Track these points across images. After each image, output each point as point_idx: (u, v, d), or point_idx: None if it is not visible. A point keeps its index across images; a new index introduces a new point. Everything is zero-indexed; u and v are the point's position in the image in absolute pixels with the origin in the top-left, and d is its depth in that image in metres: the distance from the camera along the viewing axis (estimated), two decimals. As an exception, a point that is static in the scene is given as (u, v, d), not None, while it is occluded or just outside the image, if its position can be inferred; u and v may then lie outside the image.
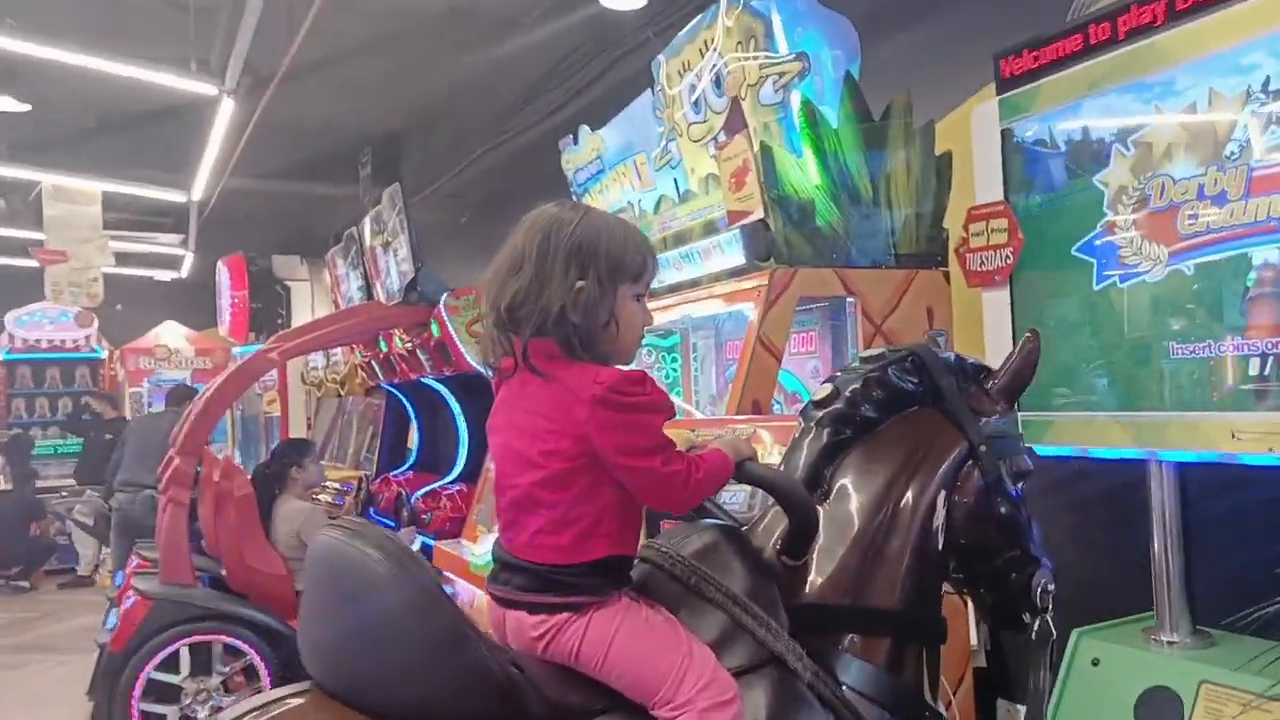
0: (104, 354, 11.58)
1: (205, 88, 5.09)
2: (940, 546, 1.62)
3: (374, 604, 1.26)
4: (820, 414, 1.65)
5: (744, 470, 1.50)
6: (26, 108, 5.82)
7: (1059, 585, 3.38)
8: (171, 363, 11.89)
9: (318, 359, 8.66)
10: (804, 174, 2.83)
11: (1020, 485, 1.74)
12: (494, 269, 1.45)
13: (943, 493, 1.63)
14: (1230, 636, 2.48)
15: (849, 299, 2.90)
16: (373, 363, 6.27)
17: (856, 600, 1.53)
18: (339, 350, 7.75)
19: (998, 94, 2.85)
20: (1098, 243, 2.62)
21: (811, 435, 1.65)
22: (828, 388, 1.68)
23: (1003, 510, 1.67)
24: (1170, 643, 2.50)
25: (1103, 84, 2.60)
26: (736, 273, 2.98)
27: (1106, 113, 2.62)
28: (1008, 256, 2.86)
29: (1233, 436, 2.26)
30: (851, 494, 1.60)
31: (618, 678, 1.35)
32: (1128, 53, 2.53)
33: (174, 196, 7.38)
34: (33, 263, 7.91)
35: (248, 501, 4.78)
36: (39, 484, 9.71)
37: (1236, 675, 2.19)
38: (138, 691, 4.27)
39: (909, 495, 1.61)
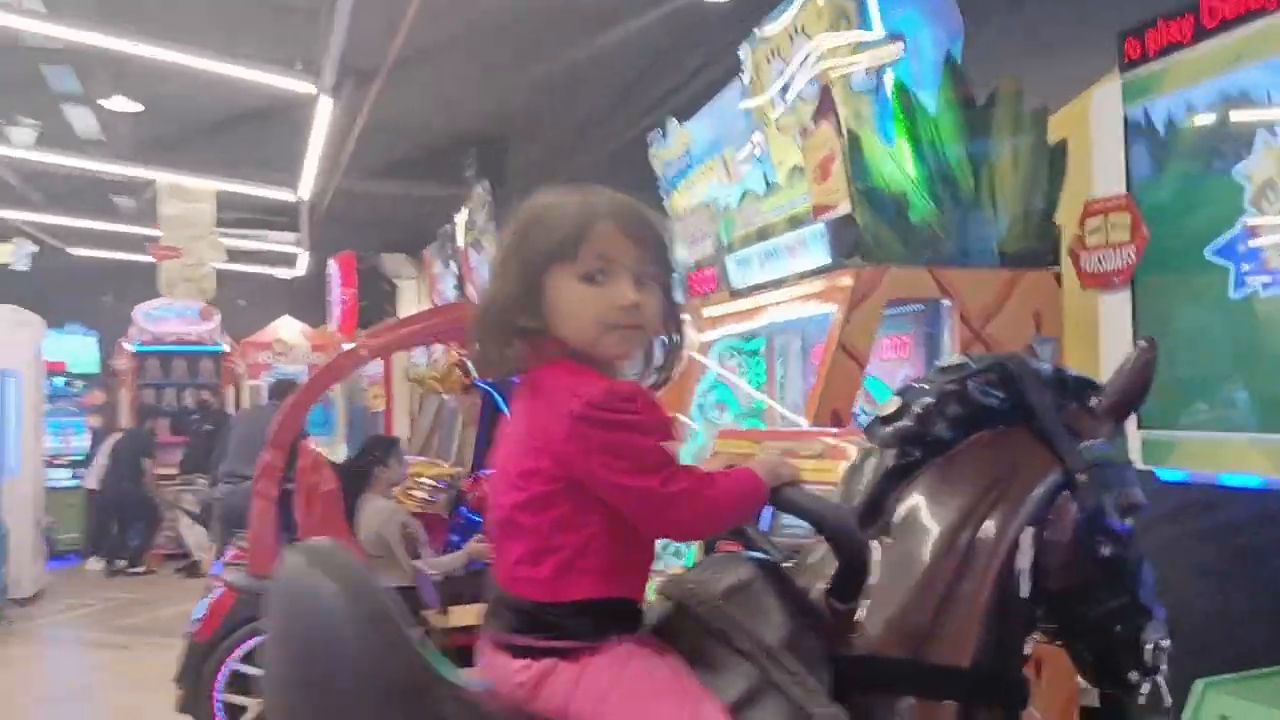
0: (225, 348, 12.04)
1: (304, 86, 5.15)
2: (1026, 593, 1.37)
3: (325, 640, 1.11)
4: (885, 432, 1.42)
5: (780, 496, 1.28)
6: (139, 108, 6.04)
7: (1181, 629, 3.01)
8: (288, 357, 12.27)
9: (420, 355, 8.74)
10: (897, 165, 2.59)
11: (1129, 521, 1.47)
12: None
13: (1030, 528, 1.37)
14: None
15: (944, 301, 2.64)
16: (467, 361, 6.25)
17: (918, 654, 1.30)
18: (439, 347, 7.79)
19: (1121, 74, 2.55)
20: (1238, 246, 2.30)
21: (875, 456, 1.42)
22: (895, 402, 1.44)
23: (1105, 551, 1.40)
24: (1315, 704, 2.15)
25: (1246, 60, 2.28)
26: (821, 271, 2.76)
27: (1250, 95, 2.30)
28: (1129, 256, 2.55)
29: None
30: (918, 526, 1.36)
31: None
32: (1276, 24, 2.20)
33: (284, 195, 7.55)
34: (149, 258, 8.24)
35: (332, 496, 4.78)
36: (158, 472, 10.13)
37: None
38: (220, 682, 4.30)
39: (988, 530, 1.36)
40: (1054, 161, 2.71)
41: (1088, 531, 1.40)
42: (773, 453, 1.61)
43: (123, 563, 9.79)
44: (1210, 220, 2.37)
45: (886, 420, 1.43)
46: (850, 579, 1.29)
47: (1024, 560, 1.37)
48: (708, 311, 3.46)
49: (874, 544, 1.36)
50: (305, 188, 7.39)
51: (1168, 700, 1.46)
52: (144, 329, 11.55)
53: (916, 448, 1.40)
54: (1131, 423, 2.54)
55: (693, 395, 3.42)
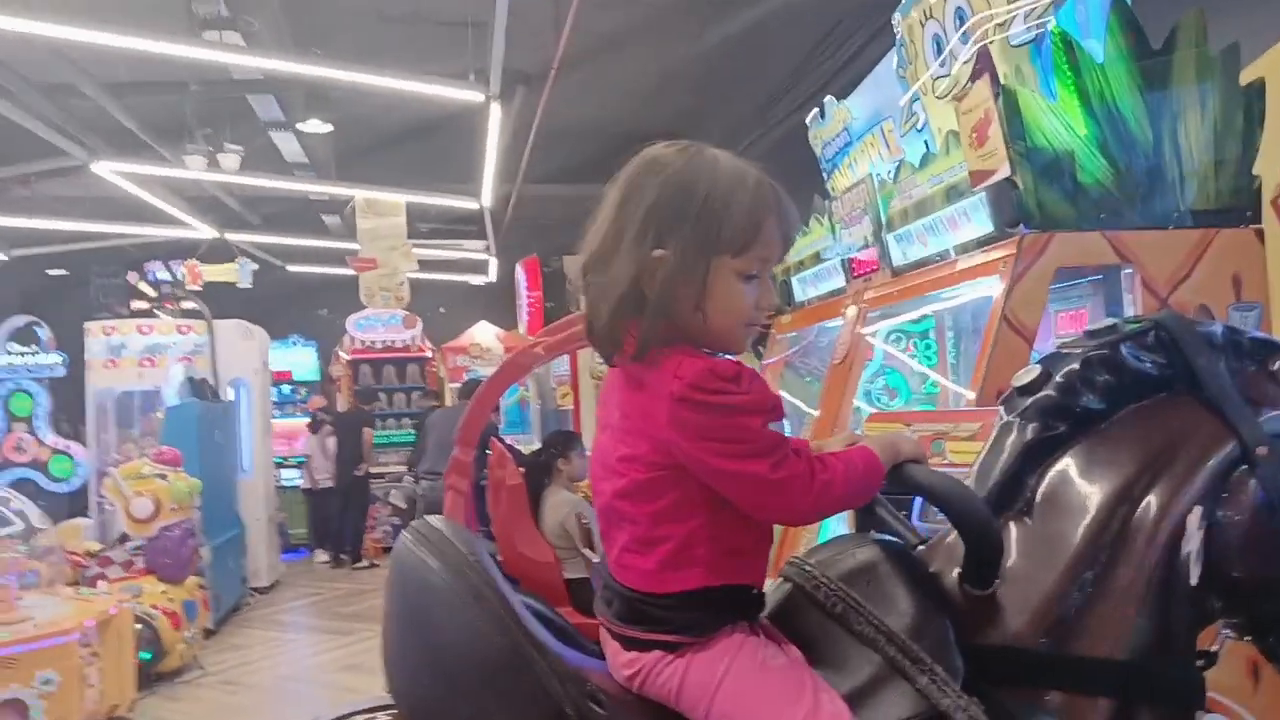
0: (430, 354, 12.80)
1: (474, 95, 5.38)
2: (1195, 580, 1.23)
3: (430, 616, 1.14)
4: (1025, 404, 1.31)
5: (900, 472, 1.20)
6: (330, 128, 6.51)
7: None
8: (484, 360, 12.84)
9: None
10: (1062, 122, 2.39)
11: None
12: (589, 233, 1.25)
13: (1199, 508, 1.23)
14: None
15: (1125, 269, 2.42)
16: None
17: (1063, 645, 1.19)
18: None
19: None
20: None
21: (1014, 431, 1.31)
22: (1035, 370, 1.33)
23: (1293, 535, 1.24)
24: None
25: None
26: (984, 243, 2.60)
27: None
28: (1345, 205, 2.25)
29: None
30: (1065, 506, 1.25)
31: None
32: None
33: (468, 204, 7.93)
34: (351, 271, 8.86)
35: (518, 490, 4.98)
36: (373, 470, 10.90)
37: None
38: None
39: (1148, 509, 1.23)
40: (1249, 106, 2.43)
41: (1272, 513, 1.24)
42: (905, 432, 1.52)
43: (346, 556, 10.62)
44: None
45: (1025, 391, 1.32)
46: (979, 561, 1.20)
47: (1191, 543, 1.22)
48: (870, 294, 3.34)
49: (1011, 525, 1.26)
50: (487, 195, 7.73)
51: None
52: (355, 337, 12.49)
53: (1061, 421, 1.28)
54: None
55: (858, 381, 3.31)
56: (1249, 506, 1.24)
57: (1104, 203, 2.41)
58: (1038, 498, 1.27)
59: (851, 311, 3.37)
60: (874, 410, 3.26)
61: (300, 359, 12.94)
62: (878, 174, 3.26)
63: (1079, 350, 1.32)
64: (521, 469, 5.13)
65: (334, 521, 10.83)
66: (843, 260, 3.59)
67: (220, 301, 9.80)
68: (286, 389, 12.54)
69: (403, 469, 10.56)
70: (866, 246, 3.33)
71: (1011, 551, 1.24)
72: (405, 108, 5.89)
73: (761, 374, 4.40)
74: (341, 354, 12.60)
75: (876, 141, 3.56)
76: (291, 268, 11.42)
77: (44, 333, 9.90)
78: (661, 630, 1.16)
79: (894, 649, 1.14)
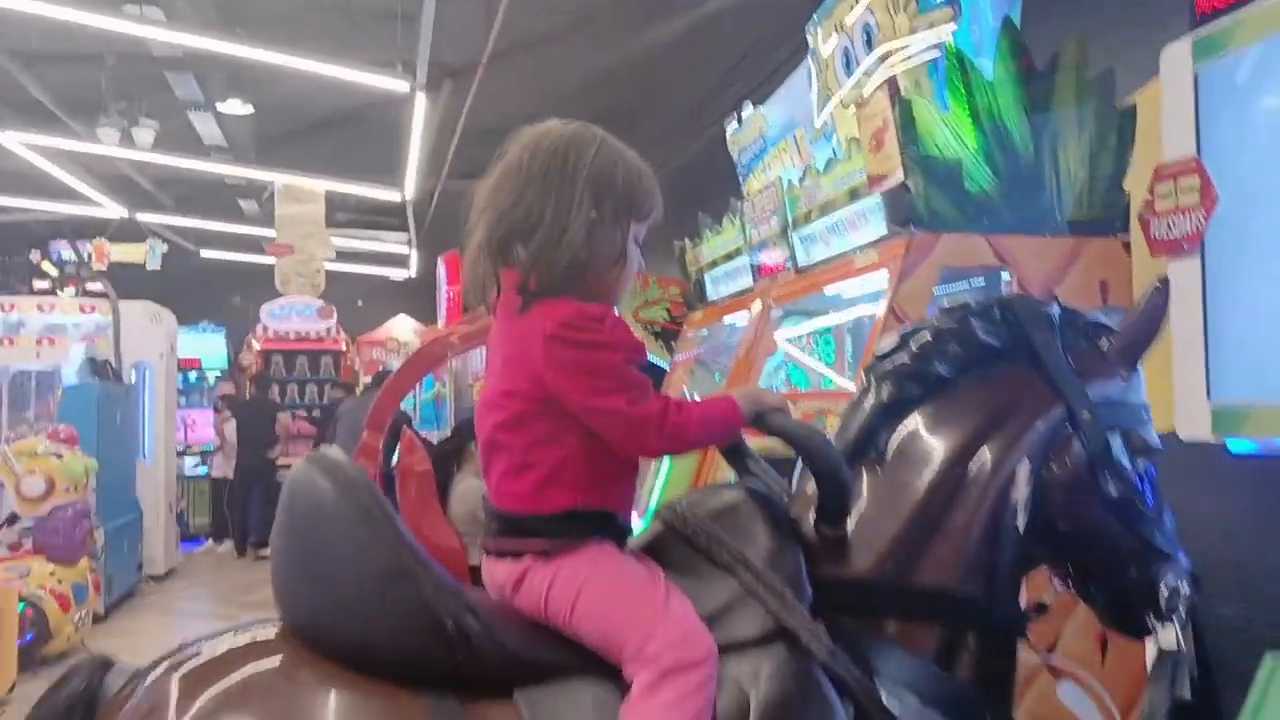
0: (344, 346, 12.64)
1: (398, 84, 5.39)
2: (1021, 526, 1.37)
3: (319, 532, 1.21)
4: (882, 368, 1.44)
5: (763, 420, 1.32)
6: (251, 110, 6.43)
7: (1253, 602, 2.88)
8: (401, 354, 12.75)
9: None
10: (952, 133, 2.56)
11: (1144, 464, 1.45)
12: (491, 189, 1.35)
13: (1027, 462, 1.38)
14: None
15: (1004, 272, 2.59)
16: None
17: (902, 578, 1.32)
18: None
19: (1190, 29, 2.46)
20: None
21: (872, 392, 1.44)
22: (894, 339, 1.46)
23: (1114, 491, 1.39)
24: (1392, 684, 2.04)
25: (1319, 8, 2.18)
26: (878, 242, 2.75)
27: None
28: (1199, 221, 2.45)
29: None
30: (911, 458, 1.38)
31: (586, 631, 1.23)
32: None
33: (390, 195, 7.90)
34: (266, 259, 8.74)
35: (425, 477, 4.99)
36: (280, 461, 10.71)
37: None
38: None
39: (982, 462, 1.37)
40: (1122, 127, 2.63)
41: (1093, 470, 1.39)
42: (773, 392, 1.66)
43: (251, 545, 10.39)
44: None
45: (884, 358, 1.45)
46: (831, 502, 1.32)
47: (1020, 493, 1.37)
48: (775, 291, 3.48)
49: (864, 474, 1.39)
50: (409, 188, 7.72)
51: (1183, 647, 1.43)
52: (268, 327, 12.25)
53: (913, 384, 1.42)
54: (1200, 392, 2.47)
55: (760, 376, 3.44)
56: (1072, 464, 1.39)
57: (987, 209, 2.58)
58: (889, 451, 1.40)
59: (757, 307, 3.50)
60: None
61: (210, 346, 12.64)
62: (787, 178, 3.40)
63: (933, 323, 1.45)
64: (432, 457, 5.15)
65: (237, 510, 10.61)
66: (752, 262, 3.73)
67: (127, 283, 9.53)
68: (194, 376, 12.22)
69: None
70: (774, 246, 3.47)
71: (863, 496, 1.37)
72: (329, 94, 5.86)
73: (673, 369, 4.47)
74: (254, 342, 12.35)
75: (789, 147, 3.71)
76: (205, 252, 11.17)
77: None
78: (535, 539, 1.28)
79: (750, 576, 1.25)
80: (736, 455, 1.46)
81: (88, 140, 6.64)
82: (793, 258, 3.38)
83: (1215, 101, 2.44)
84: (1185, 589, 1.44)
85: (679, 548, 1.32)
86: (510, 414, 1.29)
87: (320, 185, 7.49)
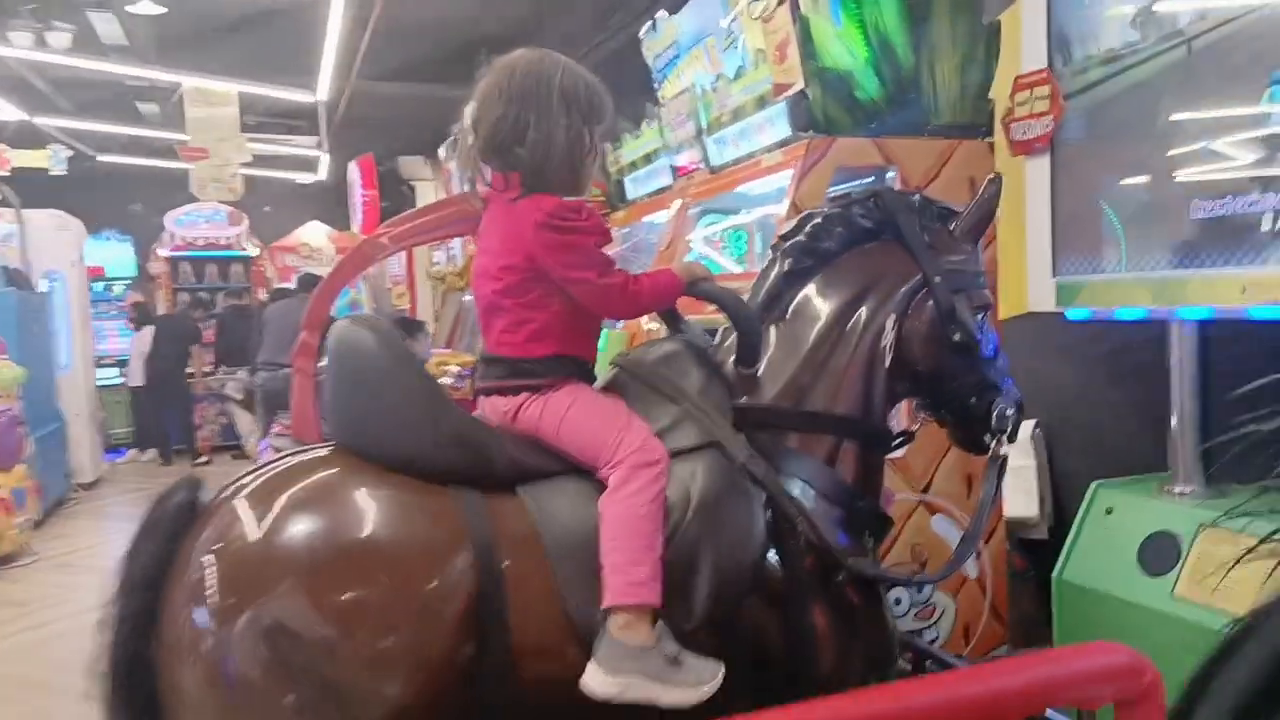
0: (255, 252, 12.54)
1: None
2: (887, 364, 1.81)
3: (365, 370, 1.58)
4: (785, 245, 1.85)
5: (694, 288, 1.73)
6: (163, 10, 6.33)
7: (1083, 443, 3.47)
8: (315, 259, 12.72)
9: (440, 255, 9.17)
10: (844, 46, 2.92)
11: (981, 317, 1.89)
12: (477, 107, 1.69)
13: (892, 316, 1.81)
14: (1245, 490, 2.55)
15: (889, 171, 3.00)
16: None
17: (799, 404, 1.75)
18: (457, 244, 8.21)
19: (1043, -43, 2.85)
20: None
21: (776, 264, 1.85)
22: (793, 223, 1.86)
23: (957, 337, 1.83)
24: (1181, 494, 2.59)
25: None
26: (782, 144, 3.12)
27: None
28: (1048, 124, 2.89)
29: (1242, 291, 2.31)
30: (805, 314, 1.80)
31: (569, 444, 1.63)
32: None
33: (303, 97, 7.88)
34: (179, 164, 8.64)
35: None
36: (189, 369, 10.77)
37: (1234, 520, 2.27)
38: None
39: (859, 316, 1.80)
40: (989, 42, 3.03)
41: (941, 322, 1.83)
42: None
43: (179, 452, 10.51)
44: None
45: (785, 237, 1.85)
46: (747, 348, 1.73)
47: (886, 340, 1.80)
48: (692, 190, 3.84)
49: (772, 328, 1.80)
50: (323, 89, 7.71)
51: (1004, 454, 1.90)
52: (175, 233, 12.06)
53: (808, 257, 1.83)
54: (1047, 269, 2.95)
55: (679, 266, 3.81)
56: (926, 318, 1.83)
57: (874, 114, 2.97)
58: (790, 309, 1.81)
59: (675, 205, 3.86)
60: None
61: (115, 255, 12.38)
62: (700, 84, 3.72)
63: (823, 209, 1.85)
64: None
65: (155, 420, 10.65)
66: (670, 164, 4.07)
67: (23, 192, 9.28)
68: (99, 286, 12.00)
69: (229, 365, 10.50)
70: (689, 148, 3.82)
71: (770, 344, 1.79)
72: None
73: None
74: (160, 251, 12.16)
75: (701, 55, 4.01)
76: (102, 157, 10.86)
77: None
78: (529, 378, 1.65)
79: (688, 403, 1.67)
80: (671, 317, 1.86)
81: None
82: (706, 159, 3.74)
83: (1065, 19, 2.86)
84: (1011, 412, 1.90)
85: (633, 385, 1.73)
86: (507, 283, 1.66)
87: (231, 87, 7.43)
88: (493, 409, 1.70)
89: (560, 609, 1.52)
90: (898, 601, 2.92)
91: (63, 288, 9.22)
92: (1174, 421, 2.62)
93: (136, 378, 10.74)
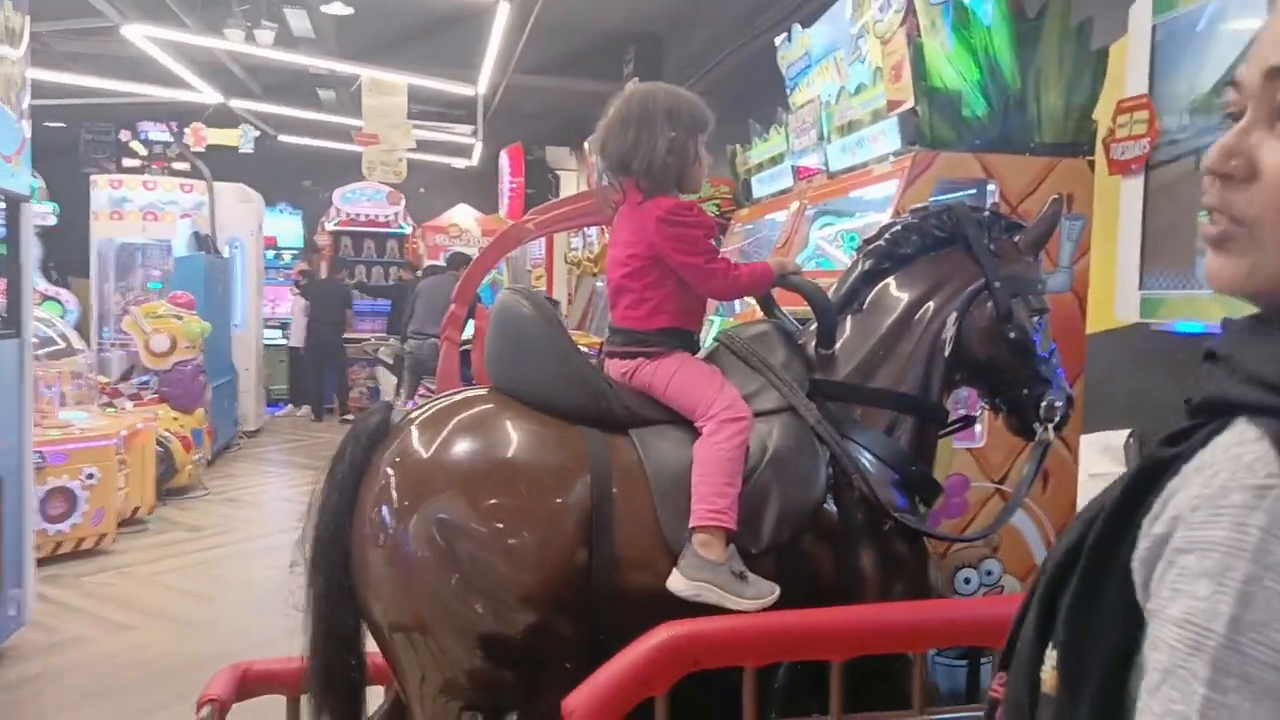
0: (409, 230, 13.45)
1: (488, -5, 5.97)
2: (947, 354, 2.11)
3: (521, 331, 2.00)
4: (867, 249, 2.18)
5: (784, 280, 2.09)
6: (350, 11, 7.02)
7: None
8: (462, 240, 13.53)
9: (578, 241, 9.70)
10: (955, 69, 3.19)
11: (1038, 319, 2.16)
12: (604, 133, 2.09)
13: (954, 313, 2.11)
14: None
15: (989, 184, 3.25)
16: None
17: (865, 381, 2.08)
18: (594, 232, 8.71)
19: (1152, -9, 3.04)
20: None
21: (859, 264, 2.18)
22: (876, 230, 2.19)
23: (1012, 335, 2.11)
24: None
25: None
26: (893, 156, 3.42)
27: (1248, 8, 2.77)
28: (1144, 147, 3.09)
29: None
30: (879, 307, 2.13)
31: (674, 399, 2.01)
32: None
33: (464, 90, 8.51)
34: (352, 147, 9.45)
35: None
36: (351, 335, 11.69)
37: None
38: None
39: (925, 311, 2.11)
40: (1095, 68, 3.23)
41: (999, 321, 2.12)
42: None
43: (330, 410, 11.48)
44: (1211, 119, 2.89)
45: (868, 242, 2.18)
46: (826, 331, 2.08)
47: (947, 333, 2.11)
48: (811, 192, 4.16)
49: (849, 318, 2.14)
50: (483, 83, 8.33)
51: (1051, 439, 2.17)
52: (340, 209, 13.07)
53: (886, 260, 2.15)
54: (1134, 283, 3.15)
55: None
56: (986, 315, 2.12)
57: (979, 132, 3.22)
58: (866, 302, 2.14)
59: (794, 205, 4.19)
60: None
61: (286, 226, 13.50)
62: (826, 95, 4.04)
63: (902, 220, 2.17)
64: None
65: (312, 380, 11.63)
66: (793, 165, 4.40)
67: (211, 166, 10.31)
68: (270, 254, 13.12)
69: (379, 335, 11.37)
70: (811, 153, 4.14)
71: (846, 331, 2.12)
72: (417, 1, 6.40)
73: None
74: (326, 224, 13.19)
75: (830, 67, 4.31)
76: (283, 137, 11.89)
77: (37, 183, 10.38)
78: (645, 346, 2.04)
79: (771, 374, 2.03)
80: (767, 303, 2.22)
81: (195, 32, 7.30)
82: (826, 164, 4.05)
83: (1169, 49, 3.05)
84: (1059, 404, 2.18)
85: (728, 357, 2.10)
86: (632, 268, 2.06)
87: (402, 79, 8.13)
88: (614, 369, 2.10)
89: (656, 527, 1.91)
90: (967, 581, 3.18)
91: (242, 254, 10.22)
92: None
93: (298, 339, 11.75)
